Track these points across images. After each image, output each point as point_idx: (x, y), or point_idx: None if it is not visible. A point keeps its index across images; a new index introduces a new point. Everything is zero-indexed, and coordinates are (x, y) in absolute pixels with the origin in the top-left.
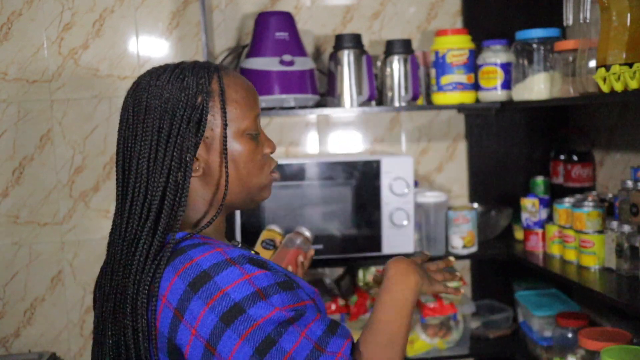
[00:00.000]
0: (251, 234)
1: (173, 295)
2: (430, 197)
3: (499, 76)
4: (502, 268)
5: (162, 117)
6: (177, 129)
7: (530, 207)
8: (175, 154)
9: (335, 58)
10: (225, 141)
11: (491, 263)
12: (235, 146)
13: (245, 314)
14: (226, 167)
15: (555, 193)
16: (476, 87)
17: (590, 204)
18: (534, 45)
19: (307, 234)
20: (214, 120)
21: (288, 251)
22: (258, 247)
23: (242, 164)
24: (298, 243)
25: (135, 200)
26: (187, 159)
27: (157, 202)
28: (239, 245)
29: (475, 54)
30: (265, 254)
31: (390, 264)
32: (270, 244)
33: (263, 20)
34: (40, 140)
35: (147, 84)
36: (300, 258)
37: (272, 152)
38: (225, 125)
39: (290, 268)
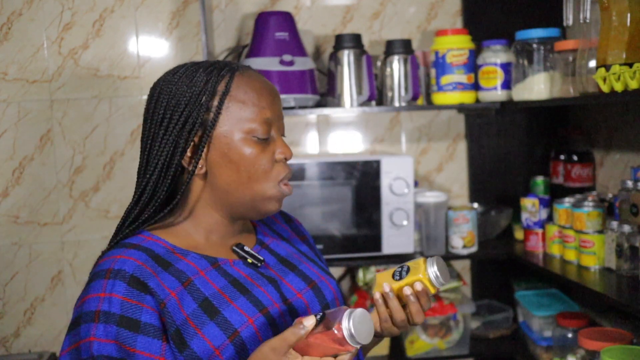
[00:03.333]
0: None
1: None
2: (430, 197)
3: (499, 76)
4: (502, 268)
5: (166, 111)
6: (174, 125)
7: (530, 207)
8: (168, 149)
9: (335, 58)
10: (205, 140)
11: (491, 263)
12: (237, 148)
13: (78, 328)
14: (194, 168)
15: (555, 193)
16: (476, 87)
17: (590, 204)
18: (534, 45)
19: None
20: (216, 120)
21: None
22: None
23: (243, 167)
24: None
25: (137, 187)
26: (178, 154)
27: (148, 193)
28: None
29: (475, 54)
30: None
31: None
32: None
33: (263, 20)
34: (40, 140)
35: (164, 78)
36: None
37: (286, 159)
38: (212, 124)
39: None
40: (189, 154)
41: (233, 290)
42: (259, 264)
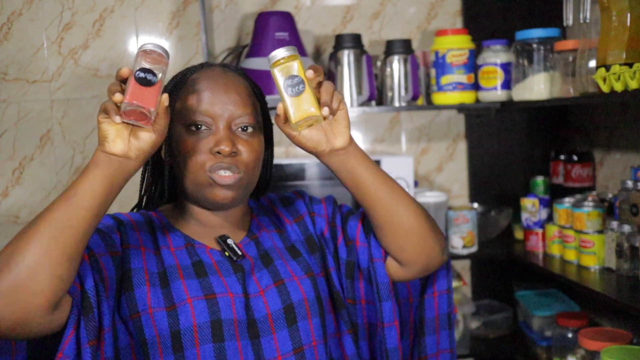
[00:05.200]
0: None
1: None
2: (430, 197)
3: (499, 76)
4: (502, 268)
5: None
6: None
7: (530, 207)
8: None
9: (335, 58)
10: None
11: (491, 263)
12: (177, 139)
13: None
14: (166, 159)
15: (555, 193)
16: (476, 87)
17: (590, 204)
18: (534, 45)
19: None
20: (171, 114)
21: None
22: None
23: (180, 156)
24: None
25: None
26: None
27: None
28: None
29: (475, 54)
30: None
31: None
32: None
33: (263, 20)
34: (40, 140)
35: None
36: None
37: (218, 151)
38: (171, 118)
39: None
40: (164, 147)
41: (190, 271)
42: (235, 258)
